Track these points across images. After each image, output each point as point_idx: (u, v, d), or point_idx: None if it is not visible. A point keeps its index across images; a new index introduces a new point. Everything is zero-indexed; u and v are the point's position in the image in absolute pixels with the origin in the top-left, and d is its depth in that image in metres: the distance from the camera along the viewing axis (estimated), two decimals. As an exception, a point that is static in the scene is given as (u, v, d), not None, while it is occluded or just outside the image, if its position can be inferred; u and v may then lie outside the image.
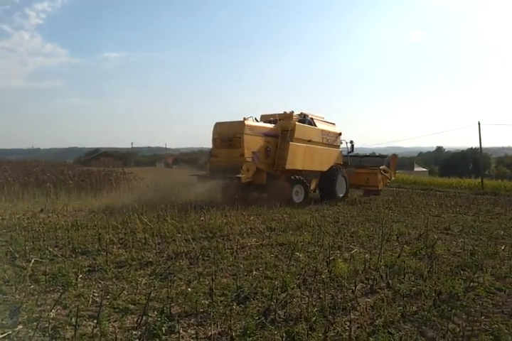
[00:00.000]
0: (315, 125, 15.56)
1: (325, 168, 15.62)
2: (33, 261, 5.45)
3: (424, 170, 79.53)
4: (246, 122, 13.52)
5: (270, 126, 14.39)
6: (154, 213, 9.89)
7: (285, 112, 14.97)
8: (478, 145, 29.84)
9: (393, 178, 18.88)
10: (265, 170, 13.84)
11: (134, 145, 77.47)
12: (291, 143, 14.05)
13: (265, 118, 15.21)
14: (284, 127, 14.34)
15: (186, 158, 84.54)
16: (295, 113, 15.23)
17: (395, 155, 19.46)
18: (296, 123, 14.54)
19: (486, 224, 10.78)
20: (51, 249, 6.34)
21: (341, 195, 16.07)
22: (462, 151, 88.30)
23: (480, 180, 28.12)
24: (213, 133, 13.98)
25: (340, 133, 16.82)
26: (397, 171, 30.43)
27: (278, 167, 13.99)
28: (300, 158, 14.44)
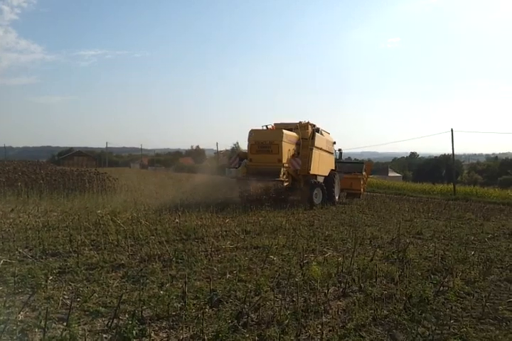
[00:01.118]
0: (322, 134, 16.84)
1: (327, 173, 16.79)
2: (1, 262, 5.34)
3: (398, 175, 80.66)
4: (284, 131, 14.65)
5: (296, 134, 15.53)
6: (128, 215, 9.77)
7: (300, 122, 16.13)
8: (451, 152, 30.42)
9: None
10: (291, 175, 15.06)
11: (108, 145, 76.47)
12: (313, 150, 15.43)
13: (279, 127, 15.90)
14: (304, 136, 15.71)
15: (162, 159, 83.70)
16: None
17: (369, 162, 20.72)
18: (316, 133, 16.00)
19: (457, 229, 10.99)
20: (21, 250, 6.21)
21: (337, 198, 17.34)
22: (435, 157, 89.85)
23: (452, 186, 28.65)
24: (249, 140, 15.00)
25: (334, 142, 18.27)
26: (372, 176, 32.27)
27: (302, 172, 15.15)
28: (317, 163, 15.70)
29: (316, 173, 15.67)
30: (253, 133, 15.04)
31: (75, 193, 14.97)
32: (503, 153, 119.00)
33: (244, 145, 15.49)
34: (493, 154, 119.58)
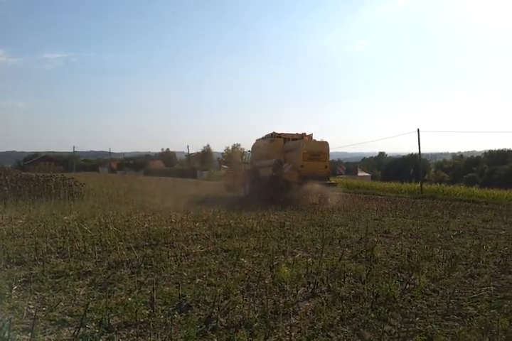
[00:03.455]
0: None
1: None
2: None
3: (367, 174, 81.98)
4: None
5: None
6: (96, 220, 9.61)
7: (304, 133, 19.11)
8: (418, 151, 31.08)
9: None
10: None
11: (76, 149, 75.20)
12: None
13: (282, 136, 19.06)
14: None
15: (131, 163, 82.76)
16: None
17: None
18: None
19: (424, 227, 11.18)
20: (-17, 260, 6.04)
21: None
22: (403, 157, 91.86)
23: (419, 185, 29.23)
24: (301, 149, 17.42)
25: None
26: (342, 176, 33.64)
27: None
28: None
29: None
30: (304, 144, 17.69)
31: (41, 199, 14.67)
32: (468, 152, 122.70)
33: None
34: (458, 153, 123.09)
